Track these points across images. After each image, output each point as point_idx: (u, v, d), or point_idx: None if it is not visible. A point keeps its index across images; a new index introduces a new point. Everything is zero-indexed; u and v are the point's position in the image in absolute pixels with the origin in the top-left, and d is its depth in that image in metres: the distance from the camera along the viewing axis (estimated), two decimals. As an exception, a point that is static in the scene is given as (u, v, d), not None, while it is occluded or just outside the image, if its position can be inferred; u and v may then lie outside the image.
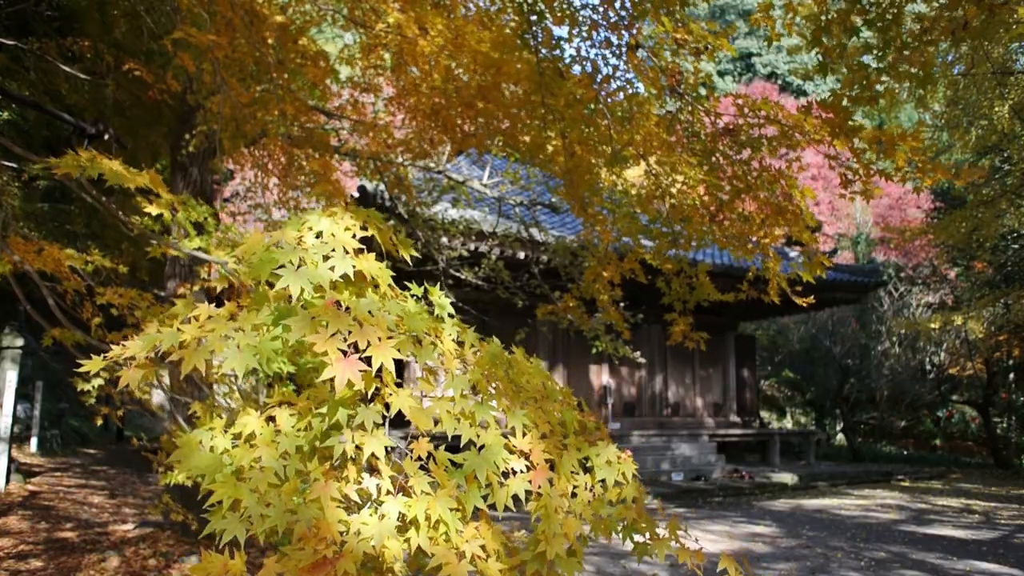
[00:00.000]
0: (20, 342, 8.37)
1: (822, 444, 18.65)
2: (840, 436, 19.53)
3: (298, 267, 1.36)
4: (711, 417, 15.80)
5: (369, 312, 1.39)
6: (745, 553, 6.84)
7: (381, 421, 1.39)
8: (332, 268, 1.39)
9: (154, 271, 9.85)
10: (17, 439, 10.26)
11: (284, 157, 6.93)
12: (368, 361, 1.32)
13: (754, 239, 4.73)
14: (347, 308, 1.38)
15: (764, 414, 20.59)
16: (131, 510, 7.87)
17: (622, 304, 6.23)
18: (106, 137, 4.50)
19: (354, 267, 1.43)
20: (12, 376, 8.26)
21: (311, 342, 1.30)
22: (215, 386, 2.55)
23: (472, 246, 9.56)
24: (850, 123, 3.65)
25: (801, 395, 20.90)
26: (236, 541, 1.27)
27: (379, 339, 1.34)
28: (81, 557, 5.64)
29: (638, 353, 8.42)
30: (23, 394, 9.78)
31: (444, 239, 8.86)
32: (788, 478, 12.58)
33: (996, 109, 11.21)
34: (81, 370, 1.53)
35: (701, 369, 15.86)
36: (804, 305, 5.05)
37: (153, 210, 1.97)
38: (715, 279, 5.59)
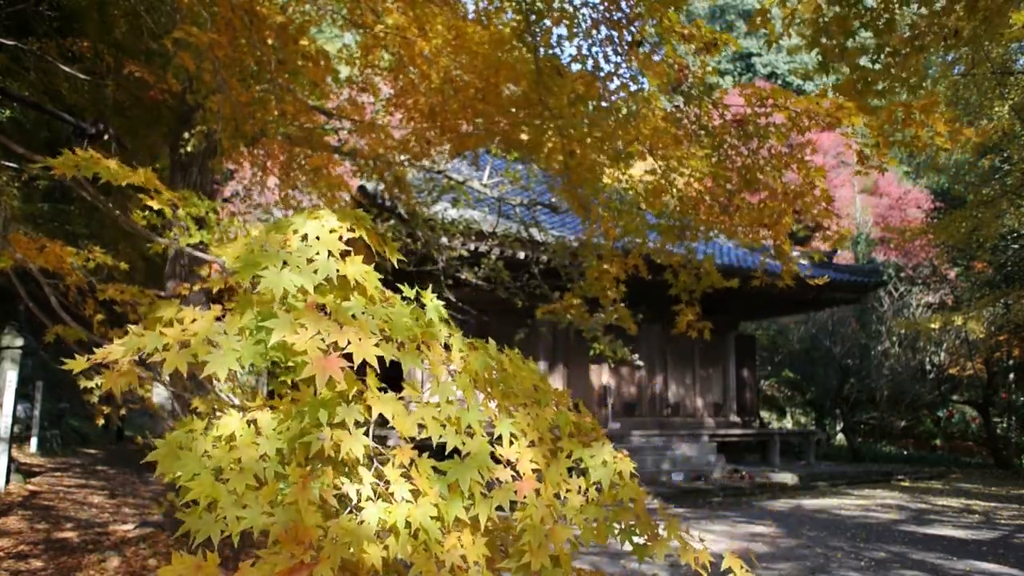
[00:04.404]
0: (20, 342, 8.37)
1: (822, 444, 18.64)
2: (840, 436, 19.54)
3: (281, 270, 1.36)
4: (711, 417, 15.80)
5: (353, 316, 1.38)
6: (745, 553, 6.84)
7: (362, 421, 1.37)
8: (316, 271, 1.38)
9: (150, 272, 9.86)
10: (17, 439, 10.26)
11: (284, 155, 6.94)
12: (350, 359, 1.31)
13: (766, 224, 4.75)
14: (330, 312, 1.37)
15: (764, 414, 20.59)
16: (131, 510, 7.87)
17: (622, 304, 6.23)
18: (106, 137, 4.52)
19: (338, 271, 1.42)
20: (12, 376, 8.26)
21: (291, 343, 1.29)
22: (216, 381, 2.54)
23: (472, 246, 9.56)
24: (869, 101, 3.68)
25: (801, 395, 20.90)
26: (210, 543, 1.26)
27: (359, 339, 1.33)
28: (81, 557, 5.65)
29: (636, 356, 8.42)
30: (23, 394, 9.78)
31: (444, 239, 8.86)
32: (788, 478, 12.58)
33: (996, 109, 11.21)
34: (65, 367, 1.52)
35: (701, 369, 15.86)
36: (817, 286, 5.08)
37: (154, 205, 1.97)
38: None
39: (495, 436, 1.53)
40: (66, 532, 6.52)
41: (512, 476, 1.50)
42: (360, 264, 1.48)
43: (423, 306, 1.59)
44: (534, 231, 8.91)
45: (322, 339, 1.31)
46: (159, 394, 5.08)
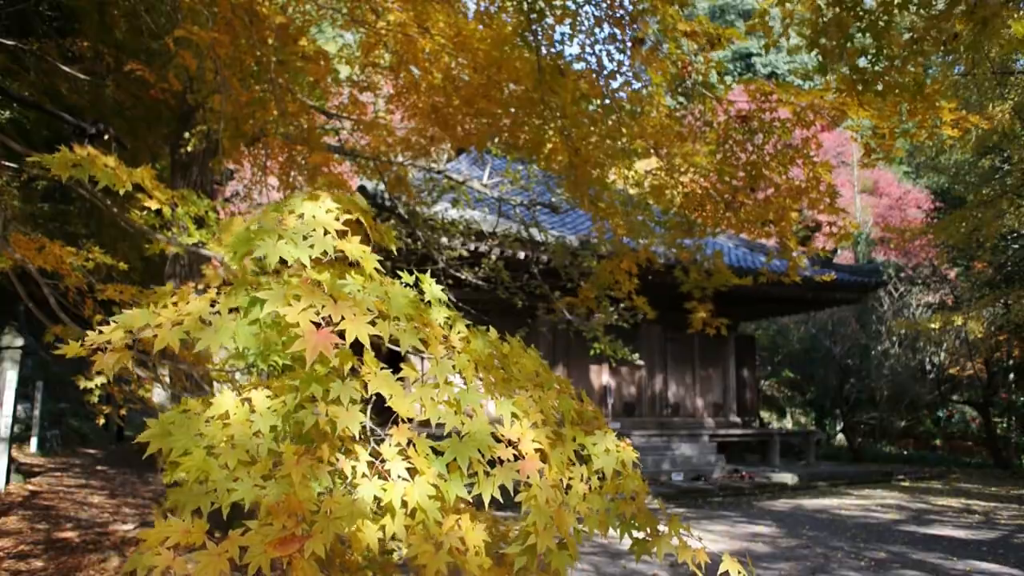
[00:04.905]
0: (20, 342, 8.36)
1: (822, 444, 18.63)
2: (840, 436, 19.53)
3: (277, 242, 1.34)
4: (711, 417, 15.79)
5: (349, 294, 1.35)
6: (745, 553, 6.84)
7: (357, 398, 1.33)
8: (311, 247, 1.36)
9: (150, 272, 9.85)
10: (17, 439, 10.25)
11: (284, 155, 6.94)
12: (343, 336, 1.27)
13: (771, 221, 4.76)
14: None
15: (764, 414, 20.58)
16: (131, 510, 7.86)
17: (622, 305, 6.24)
18: (106, 137, 4.50)
19: (335, 247, 1.39)
20: (12, 376, 8.25)
21: (283, 315, 1.26)
22: (216, 383, 2.55)
23: (472, 246, 9.55)
24: (873, 92, 3.69)
25: (801, 395, 20.89)
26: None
27: (354, 315, 1.29)
28: (81, 557, 5.64)
29: (636, 355, 8.42)
30: (23, 394, 9.77)
31: (444, 239, 8.86)
32: (788, 478, 12.58)
33: (996, 109, 11.21)
34: (57, 352, 1.50)
35: (701, 369, 15.86)
36: (818, 285, 5.12)
37: (152, 204, 1.96)
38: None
39: (497, 417, 1.49)
40: (66, 532, 6.51)
41: (514, 456, 1.45)
42: (358, 243, 1.45)
43: (422, 293, 1.57)
44: (534, 231, 8.90)
45: (316, 312, 1.27)
46: (159, 394, 5.07)
